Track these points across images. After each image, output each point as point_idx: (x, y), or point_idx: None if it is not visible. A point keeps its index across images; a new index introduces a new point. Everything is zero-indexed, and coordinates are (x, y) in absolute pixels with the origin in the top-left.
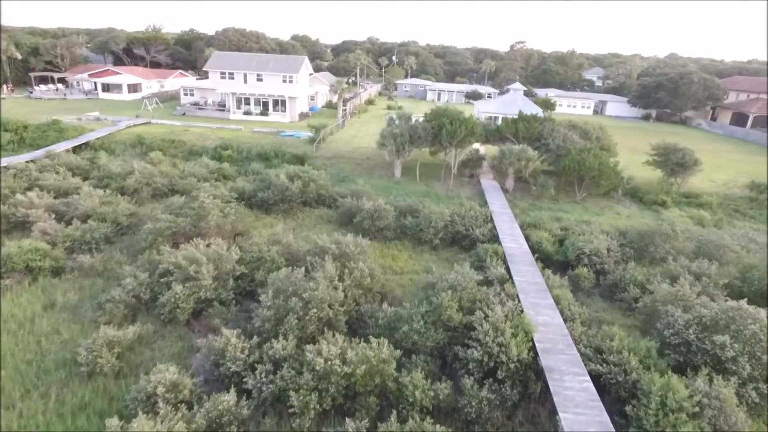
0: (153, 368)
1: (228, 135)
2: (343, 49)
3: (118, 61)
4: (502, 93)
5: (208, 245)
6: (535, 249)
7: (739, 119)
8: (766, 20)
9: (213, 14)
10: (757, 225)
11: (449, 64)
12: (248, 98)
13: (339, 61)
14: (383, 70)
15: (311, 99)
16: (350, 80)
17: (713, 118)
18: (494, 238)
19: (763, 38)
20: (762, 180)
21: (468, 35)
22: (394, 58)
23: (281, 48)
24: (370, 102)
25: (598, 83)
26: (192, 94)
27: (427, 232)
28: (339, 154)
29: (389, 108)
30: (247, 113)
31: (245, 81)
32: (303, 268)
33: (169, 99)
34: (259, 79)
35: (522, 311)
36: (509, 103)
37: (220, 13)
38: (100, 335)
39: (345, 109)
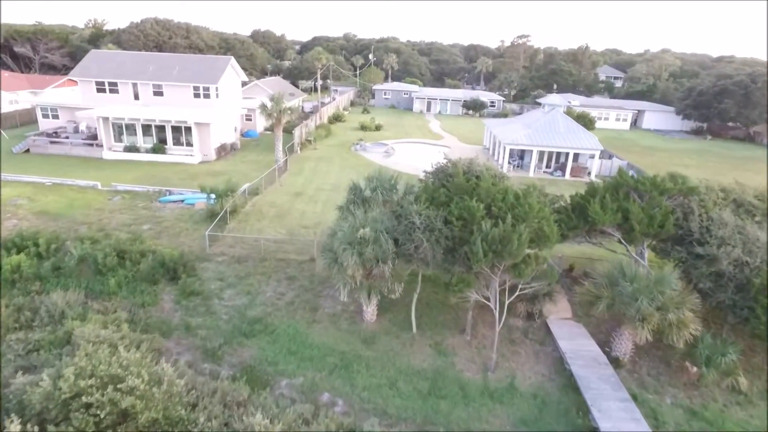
0: None
1: (58, 204)
2: (312, 46)
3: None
4: (507, 100)
5: None
6: None
7: None
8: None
9: (183, 11)
10: None
11: (436, 63)
12: (133, 124)
13: (302, 61)
14: (357, 71)
15: (247, 119)
16: (316, 84)
17: None
18: None
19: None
20: None
21: (452, 31)
22: (371, 56)
23: (227, 45)
24: (336, 118)
25: (618, 85)
26: (56, 116)
27: None
28: (256, 247)
29: (363, 128)
30: (130, 149)
31: (136, 95)
32: None
33: None
34: (158, 93)
35: None
36: (547, 128)
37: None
38: None
39: (299, 133)
